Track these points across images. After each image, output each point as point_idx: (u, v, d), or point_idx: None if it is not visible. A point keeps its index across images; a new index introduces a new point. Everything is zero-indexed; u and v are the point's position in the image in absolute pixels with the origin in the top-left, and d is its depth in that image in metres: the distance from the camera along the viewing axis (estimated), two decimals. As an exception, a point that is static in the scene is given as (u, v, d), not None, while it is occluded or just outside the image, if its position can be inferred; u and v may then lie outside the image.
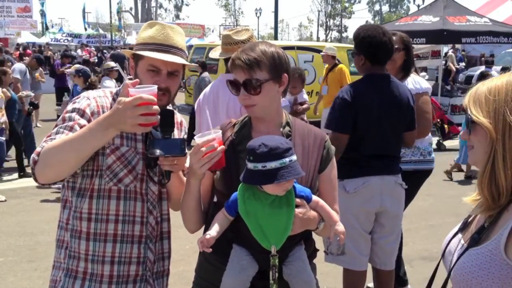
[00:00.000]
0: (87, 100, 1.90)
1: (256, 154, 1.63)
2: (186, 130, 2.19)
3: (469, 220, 1.55)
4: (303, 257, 1.83)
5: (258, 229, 1.68)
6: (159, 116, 1.66)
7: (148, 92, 1.63)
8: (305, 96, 5.84)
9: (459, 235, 1.53)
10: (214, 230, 1.73)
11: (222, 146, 1.72)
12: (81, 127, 1.78)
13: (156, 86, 1.69)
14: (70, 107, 1.90)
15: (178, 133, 2.11)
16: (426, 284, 1.63)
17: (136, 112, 1.59)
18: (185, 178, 1.99)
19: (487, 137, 1.37)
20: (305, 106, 5.73)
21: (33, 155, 1.76)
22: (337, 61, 9.12)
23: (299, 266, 1.79)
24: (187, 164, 1.99)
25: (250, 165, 1.65)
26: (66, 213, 1.95)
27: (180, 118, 2.16)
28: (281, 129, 1.88)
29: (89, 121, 1.83)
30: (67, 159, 1.70)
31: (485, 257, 1.34)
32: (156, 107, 1.62)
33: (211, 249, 1.70)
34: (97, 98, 1.92)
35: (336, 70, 8.86)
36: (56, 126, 1.86)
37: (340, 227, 1.79)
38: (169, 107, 2.11)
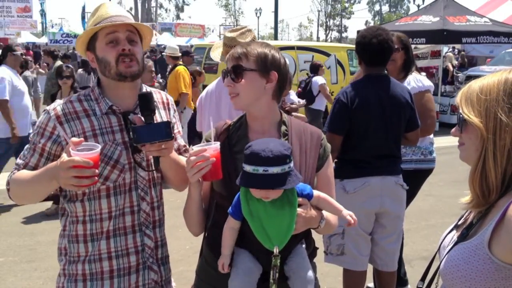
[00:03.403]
0: (47, 114, 1.91)
1: (245, 156, 1.65)
2: (175, 108, 2.19)
3: (465, 216, 1.58)
4: (303, 254, 1.83)
5: (261, 230, 1.67)
6: (96, 178, 1.66)
7: (85, 156, 1.62)
8: (293, 97, 5.81)
9: (454, 231, 1.57)
10: (227, 248, 1.77)
11: (213, 159, 1.69)
12: (41, 149, 1.90)
13: (99, 149, 1.68)
14: (36, 123, 1.96)
15: (166, 113, 2.09)
16: (426, 284, 1.65)
17: (69, 174, 1.62)
18: (179, 157, 1.99)
19: (478, 135, 1.39)
20: (294, 105, 5.72)
21: (6, 185, 1.92)
22: (180, 62, 8.46)
23: (299, 263, 1.79)
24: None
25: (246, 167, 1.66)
26: (64, 220, 1.98)
27: (166, 97, 2.15)
28: (278, 128, 1.88)
29: (49, 138, 1.89)
30: (29, 196, 1.92)
31: (470, 251, 1.38)
32: (92, 170, 1.63)
33: (229, 269, 1.76)
34: (57, 108, 1.92)
35: (173, 73, 8.01)
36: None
37: (345, 211, 1.79)
38: (162, 95, 2.12)
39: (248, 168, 1.62)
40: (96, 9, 1.99)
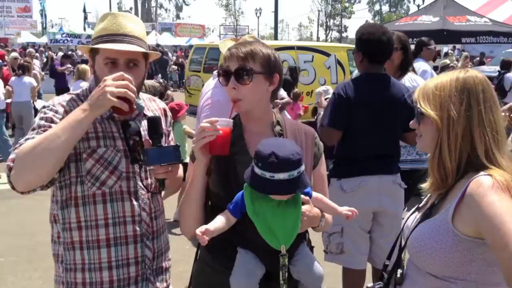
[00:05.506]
0: (53, 108, 1.85)
1: (266, 163, 1.57)
2: (170, 114, 2.18)
3: (426, 199, 1.76)
4: (309, 253, 1.83)
5: (267, 230, 1.65)
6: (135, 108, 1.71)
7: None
8: (282, 92, 5.77)
9: (416, 212, 1.75)
10: (214, 226, 1.66)
11: (220, 131, 1.66)
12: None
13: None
14: (37, 119, 1.83)
15: (164, 120, 2.07)
16: (394, 261, 1.76)
17: (117, 84, 1.64)
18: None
19: (434, 127, 1.59)
20: (284, 100, 5.68)
21: (8, 162, 1.70)
22: None
23: (308, 263, 1.78)
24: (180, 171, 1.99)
25: (257, 170, 1.60)
26: (56, 228, 1.93)
27: (163, 105, 2.15)
28: (273, 128, 1.86)
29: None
30: (49, 153, 1.63)
31: (435, 226, 1.56)
32: (132, 91, 1.67)
33: (207, 241, 1.62)
34: (62, 103, 1.87)
35: None
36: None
37: (341, 208, 1.80)
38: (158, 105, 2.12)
39: (257, 170, 1.60)
40: (103, 17, 1.90)
